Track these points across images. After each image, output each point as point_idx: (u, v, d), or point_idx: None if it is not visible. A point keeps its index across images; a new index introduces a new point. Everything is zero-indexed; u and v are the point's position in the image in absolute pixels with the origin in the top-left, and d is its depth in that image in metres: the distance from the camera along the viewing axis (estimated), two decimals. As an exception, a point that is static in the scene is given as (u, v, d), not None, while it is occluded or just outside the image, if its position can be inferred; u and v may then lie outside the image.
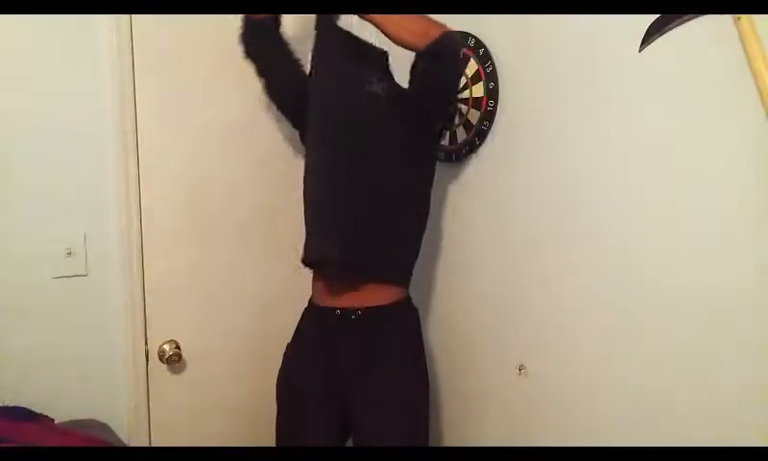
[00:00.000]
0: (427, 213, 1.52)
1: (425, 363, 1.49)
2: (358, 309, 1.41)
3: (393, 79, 1.50)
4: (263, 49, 1.55)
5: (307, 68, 1.55)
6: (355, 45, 1.48)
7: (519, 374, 1.44)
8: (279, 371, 1.51)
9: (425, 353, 1.50)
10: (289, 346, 1.52)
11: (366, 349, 1.40)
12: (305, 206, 1.48)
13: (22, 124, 1.46)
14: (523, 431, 1.45)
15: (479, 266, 1.58)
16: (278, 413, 1.49)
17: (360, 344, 1.40)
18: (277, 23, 1.55)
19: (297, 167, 1.67)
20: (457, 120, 1.61)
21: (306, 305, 1.53)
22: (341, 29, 1.48)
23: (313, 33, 1.49)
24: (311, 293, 1.52)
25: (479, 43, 1.53)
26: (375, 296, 1.41)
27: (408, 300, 1.50)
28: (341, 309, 1.42)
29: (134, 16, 1.55)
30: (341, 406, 1.42)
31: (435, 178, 1.53)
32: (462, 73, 1.54)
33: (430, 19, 1.37)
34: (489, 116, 1.51)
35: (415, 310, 1.51)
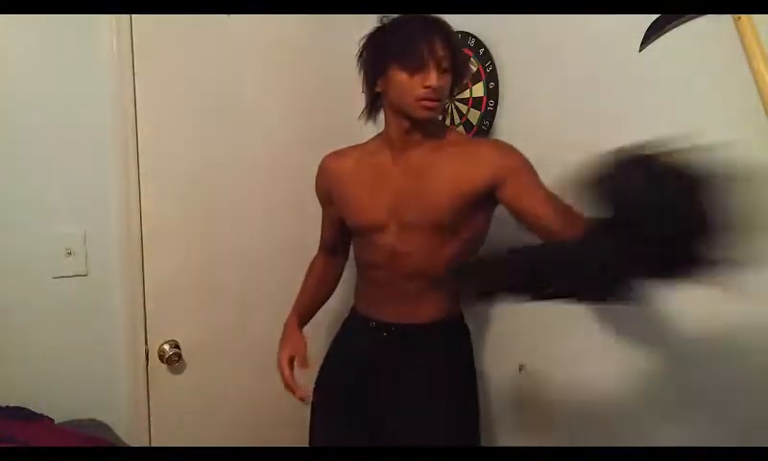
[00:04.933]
0: None
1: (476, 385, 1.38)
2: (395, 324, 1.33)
3: None
4: None
5: None
6: None
7: (520, 373, 1.44)
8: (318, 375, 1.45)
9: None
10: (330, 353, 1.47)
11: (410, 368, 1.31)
12: None
13: (22, 124, 1.46)
14: (523, 431, 1.45)
15: (479, 266, 1.58)
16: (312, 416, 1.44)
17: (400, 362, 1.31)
18: None
19: (296, 167, 1.68)
20: (457, 120, 1.61)
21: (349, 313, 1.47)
22: None
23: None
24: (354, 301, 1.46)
25: (479, 43, 1.53)
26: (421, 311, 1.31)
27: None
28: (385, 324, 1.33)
29: (134, 16, 1.55)
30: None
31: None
32: None
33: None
34: (489, 116, 1.51)
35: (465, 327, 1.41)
